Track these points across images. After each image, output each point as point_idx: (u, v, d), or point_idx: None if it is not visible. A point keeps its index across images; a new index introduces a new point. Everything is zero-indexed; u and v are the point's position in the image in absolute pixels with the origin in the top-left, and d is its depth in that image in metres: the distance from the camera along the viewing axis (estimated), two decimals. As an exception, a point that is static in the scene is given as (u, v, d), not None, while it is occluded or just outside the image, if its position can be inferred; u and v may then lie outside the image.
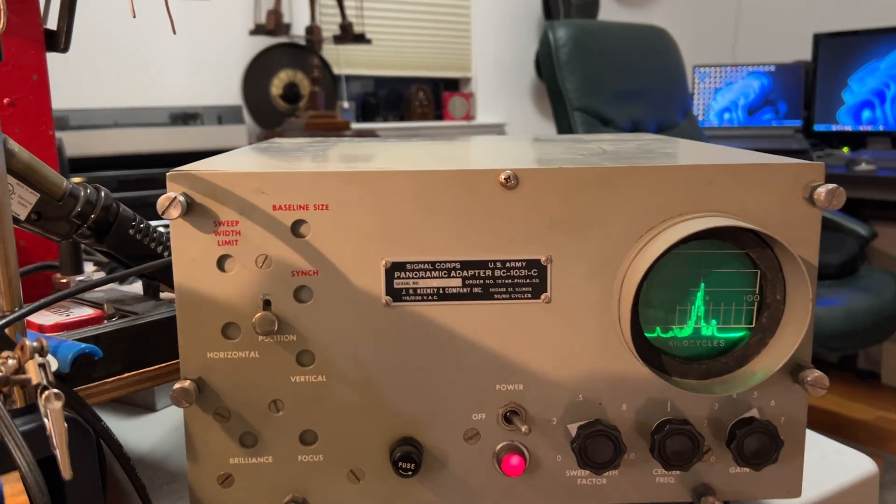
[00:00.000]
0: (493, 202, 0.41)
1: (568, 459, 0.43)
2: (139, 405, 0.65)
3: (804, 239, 0.42)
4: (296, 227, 0.41)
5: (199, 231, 0.40)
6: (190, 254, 0.41)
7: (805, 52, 3.10)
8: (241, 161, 0.46)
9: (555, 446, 0.43)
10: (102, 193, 0.50)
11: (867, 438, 2.49)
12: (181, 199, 0.39)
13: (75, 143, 1.94)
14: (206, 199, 0.40)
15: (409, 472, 0.42)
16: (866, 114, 2.78)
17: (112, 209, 0.51)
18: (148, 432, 0.60)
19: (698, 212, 0.41)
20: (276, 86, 2.73)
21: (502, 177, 0.41)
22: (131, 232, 0.52)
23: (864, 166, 2.42)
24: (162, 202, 0.39)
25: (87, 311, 0.50)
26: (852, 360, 3.03)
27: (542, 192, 0.41)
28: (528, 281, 0.42)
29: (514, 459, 0.43)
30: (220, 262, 0.41)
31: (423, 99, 3.31)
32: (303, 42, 2.63)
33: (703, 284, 0.42)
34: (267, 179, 0.40)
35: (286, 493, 0.43)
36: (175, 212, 0.39)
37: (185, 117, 2.38)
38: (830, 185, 0.40)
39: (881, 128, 2.75)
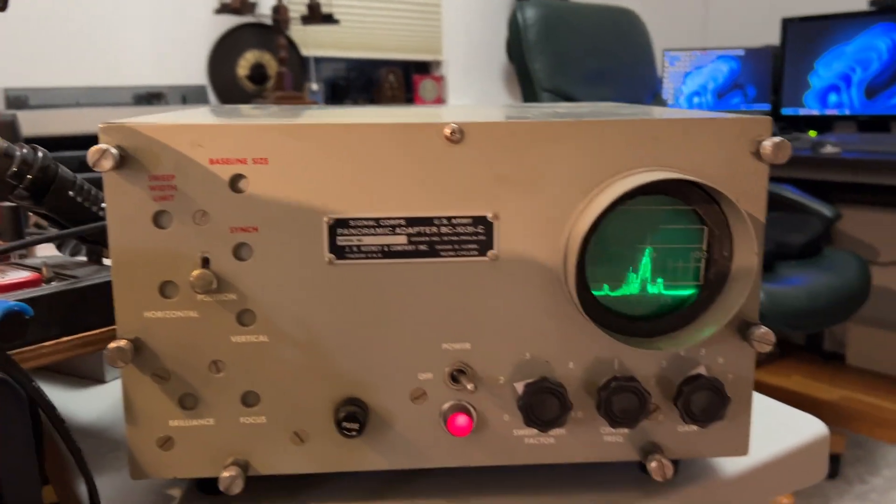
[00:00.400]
0: (438, 157, 0.40)
1: (515, 418, 0.43)
2: (88, 377, 0.64)
3: (751, 194, 0.41)
4: (234, 181, 0.40)
5: (133, 185, 0.39)
6: (124, 209, 0.39)
7: (774, 37, 3.12)
8: (181, 116, 0.45)
9: (502, 405, 0.43)
10: (40, 154, 0.49)
11: (832, 418, 2.53)
12: (113, 150, 0.38)
13: (35, 123, 1.89)
14: (140, 152, 0.39)
15: (354, 433, 0.41)
16: (832, 98, 2.81)
17: (50, 170, 0.49)
18: (95, 403, 0.59)
19: (645, 167, 0.41)
20: (243, 66, 2.69)
21: (447, 130, 0.40)
22: (71, 194, 0.50)
23: (829, 149, 2.44)
24: (93, 153, 0.37)
25: (24, 274, 0.49)
26: (818, 342, 3.07)
27: (488, 146, 0.40)
28: (474, 238, 0.41)
29: (461, 419, 0.42)
30: (156, 218, 0.40)
31: (394, 82, 3.29)
32: (269, 22, 2.59)
33: (650, 241, 0.42)
34: (203, 132, 0.39)
35: (228, 455, 0.42)
36: (107, 163, 0.37)
37: (148, 97, 2.34)
38: (776, 139, 0.40)
39: (847, 111, 2.77)
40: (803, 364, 2.97)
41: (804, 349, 3.10)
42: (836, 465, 2.18)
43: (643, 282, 0.42)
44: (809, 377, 2.84)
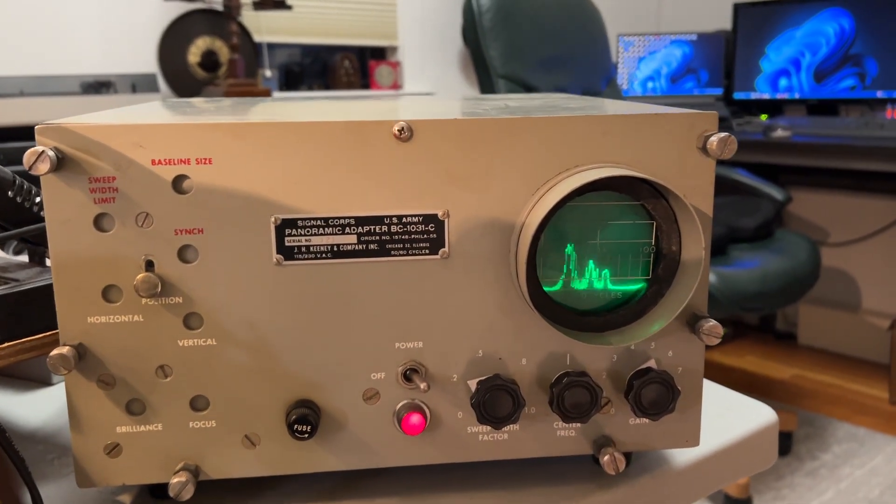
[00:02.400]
0: (387, 155, 0.40)
1: (469, 416, 0.43)
2: (34, 380, 0.62)
3: (698, 189, 0.42)
4: (177, 182, 0.39)
5: (73, 188, 0.38)
6: (64, 213, 0.38)
7: (725, 22, 3.16)
8: (122, 114, 0.43)
9: (456, 403, 0.43)
10: (-24, 153, 0.47)
11: (784, 396, 2.59)
12: (50, 153, 0.36)
13: (-23, 113, 1.84)
14: (79, 154, 0.38)
15: (306, 435, 0.41)
16: (783, 82, 2.86)
17: (-13, 170, 0.48)
18: (41, 407, 0.58)
19: (594, 163, 0.41)
20: (194, 53, 2.64)
21: (396, 128, 0.39)
22: (10, 194, 0.49)
23: (780, 133, 2.48)
24: (29, 156, 0.36)
25: (-39, 279, 0.47)
26: (771, 323, 3.14)
27: (437, 144, 0.40)
28: (425, 236, 0.41)
29: (415, 418, 0.42)
30: (98, 222, 0.39)
31: (349, 67, 3.26)
32: (220, 7, 2.54)
33: (599, 237, 0.42)
34: (144, 132, 0.38)
35: (178, 461, 0.42)
36: (43, 166, 0.36)
37: (97, 86, 2.28)
38: (722, 134, 0.40)
39: (797, 95, 2.83)
40: (756, 344, 3.03)
41: (757, 329, 3.17)
42: (788, 443, 2.23)
43: (593, 277, 0.42)
44: (762, 357, 2.90)
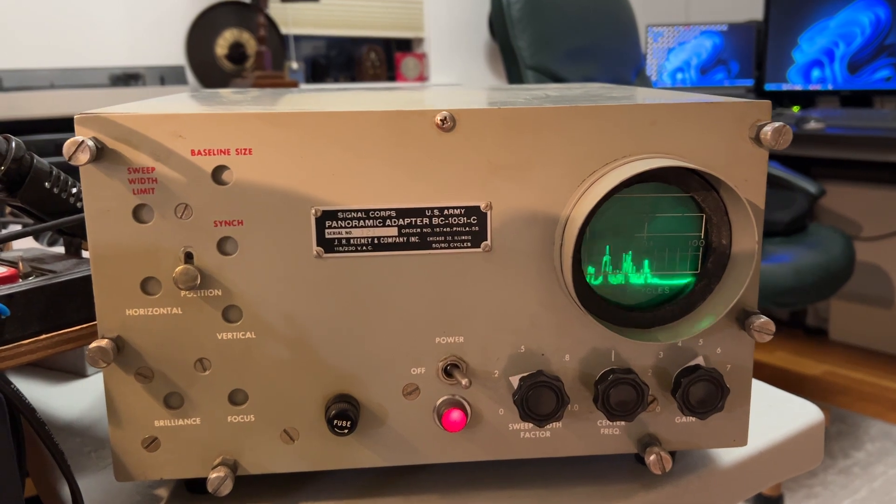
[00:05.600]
0: (428, 145, 0.39)
1: (511, 412, 0.42)
2: (69, 371, 0.62)
3: (750, 180, 0.40)
4: (217, 173, 0.38)
5: (112, 179, 0.37)
6: (103, 203, 0.38)
7: (757, 12, 3.11)
8: (160, 104, 0.43)
9: (497, 399, 0.42)
10: (13, 144, 0.47)
11: (815, 392, 2.55)
12: (90, 143, 0.36)
13: (9, 106, 1.85)
14: (118, 144, 0.37)
15: (345, 430, 0.40)
16: (816, 73, 2.81)
17: (25, 161, 0.47)
18: (77, 399, 0.57)
19: (642, 153, 0.40)
20: (221, 45, 2.64)
21: (438, 118, 0.38)
22: (47, 185, 0.49)
23: (813, 125, 2.44)
24: (68, 146, 0.36)
25: (-1, 270, 0.47)
26: (801, 317, 3.09)
27: (480, 134, 0.39)
28: (467, 229, 0.40)
29: (455, 414, 0.41)
30: (137, 213, 0.38)
31: (375, 60, 3.25)
32: (247, 0, 2.55)
33: (646, 229, 0.41)
34: (183, 122, 0.37)
35: (216, 455, 0.41)
36: (83, 157, 0.36)
37: (125, 78, 2.29)
38: (776, 124, 0.39)
39: (830, 87, 2.77)
40: (787, 340, 2.99)
41: (788, 325, 3.12)
42: (819, 440, 2.20)
43: (639, 271, 0.41)
44: (793, 353, 2.86)
